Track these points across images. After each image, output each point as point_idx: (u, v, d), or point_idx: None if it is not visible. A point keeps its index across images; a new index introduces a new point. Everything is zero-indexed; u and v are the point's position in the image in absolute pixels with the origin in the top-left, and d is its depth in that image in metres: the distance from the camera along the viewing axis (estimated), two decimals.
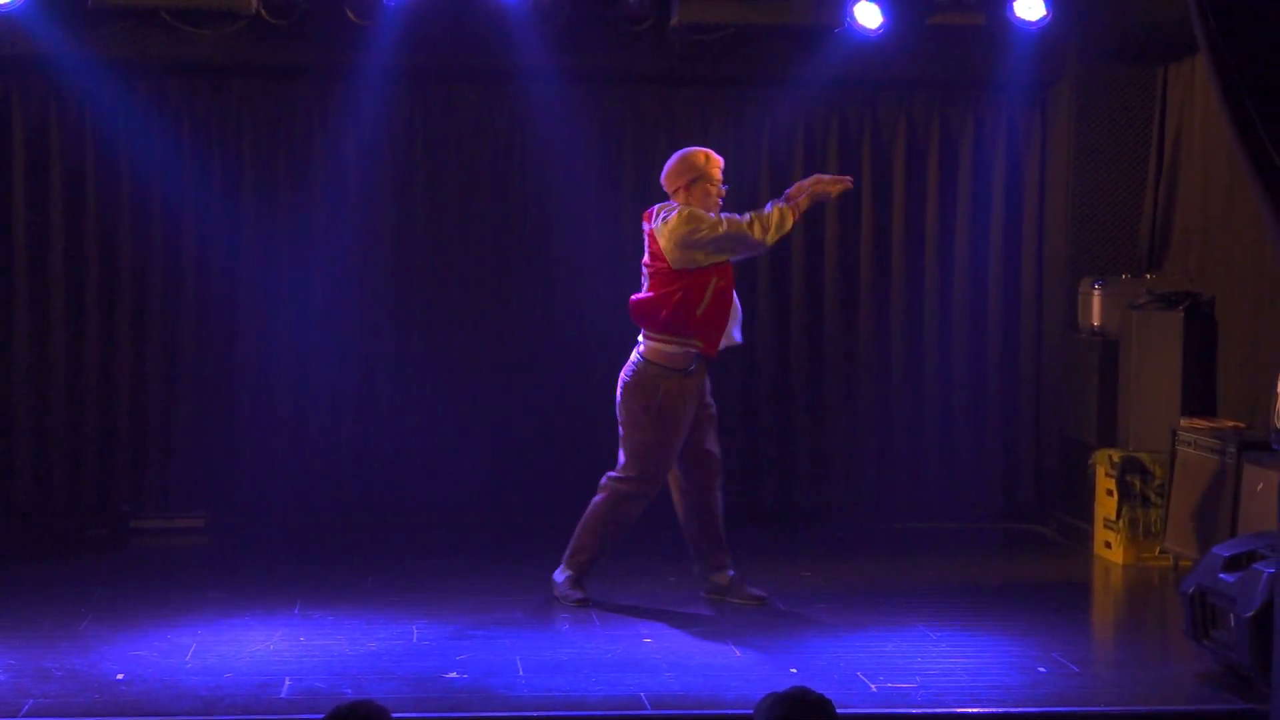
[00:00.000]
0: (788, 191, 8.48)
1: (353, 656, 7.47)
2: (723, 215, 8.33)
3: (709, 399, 8.58)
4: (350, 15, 10.04)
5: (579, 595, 8.48)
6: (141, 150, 10.53)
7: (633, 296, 8.50)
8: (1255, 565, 6.95)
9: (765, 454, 11.02)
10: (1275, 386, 8.23)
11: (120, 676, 7.06)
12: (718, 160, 8.47)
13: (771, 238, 8.35)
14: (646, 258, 8.45)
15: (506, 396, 10.80)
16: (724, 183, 8.48)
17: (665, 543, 10.04)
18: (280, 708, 6.73)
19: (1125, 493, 9.73)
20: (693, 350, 8.37)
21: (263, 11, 9.90)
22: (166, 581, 9.09)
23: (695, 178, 8.40)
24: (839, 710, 4.60)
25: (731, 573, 8.64)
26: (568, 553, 8.62)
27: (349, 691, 6.82)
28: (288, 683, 7.02)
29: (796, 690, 4.52)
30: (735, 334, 8.57)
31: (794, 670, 7.27)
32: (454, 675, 7.16)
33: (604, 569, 8.70)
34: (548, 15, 10.08)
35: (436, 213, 10.88)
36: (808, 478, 11.06)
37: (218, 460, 10.65)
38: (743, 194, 11.00)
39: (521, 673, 7.20)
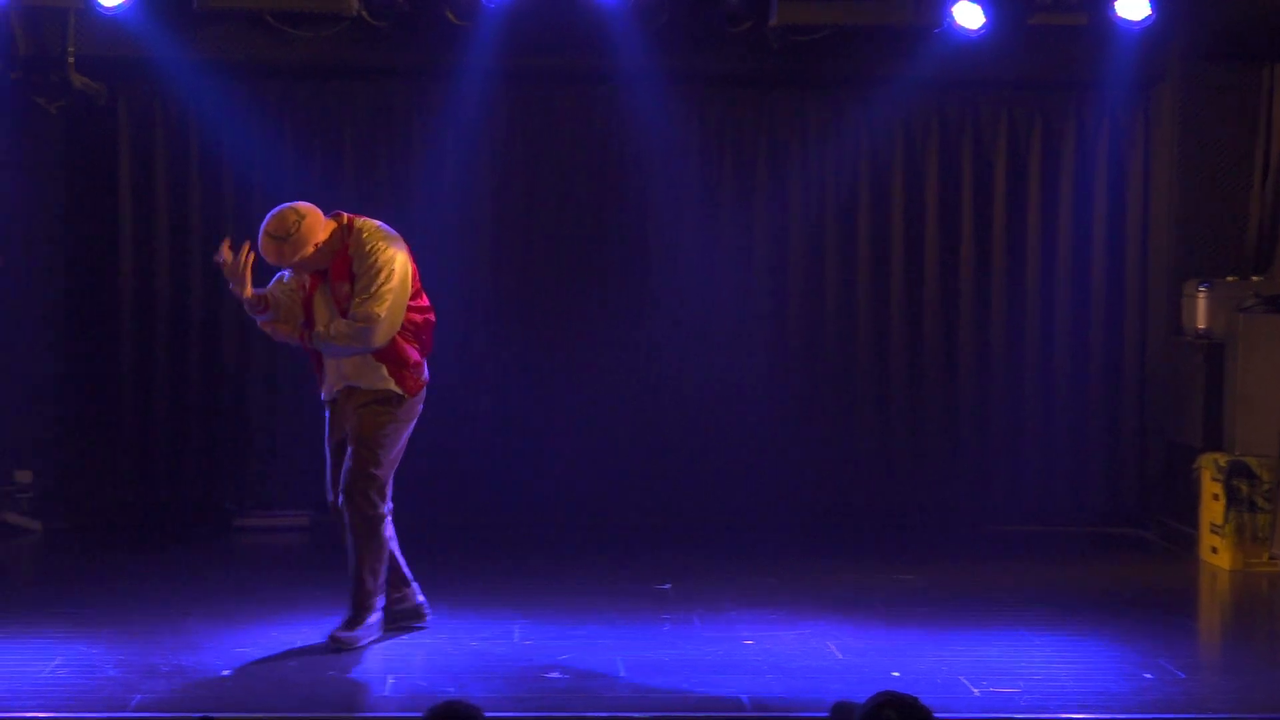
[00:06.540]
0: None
1: (455, 655, 7.49)
2: None
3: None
4: (450, 16, 10.08)
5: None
6: (243, 150, 10.64)
7: None
8: None
9: (864, 457, 10.96)
10: None
11: (226, 673, 7.11)
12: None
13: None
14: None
15: (605, 399, 10.80)
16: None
17: (762, 545, 10.07)
18: (383, 705, 6.80)
19: (1232, 497, 9.60)
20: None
21: (364, 13, 9.95)
22: (270, 579, 9.20)
23: None
24: (943, 715, 4.55)
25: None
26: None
27: (451, 690, 6.83)
28: (390, 680, 7.06)
29: (884, 694, 4.44)
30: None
31: (896, 674, 7.22)
32: (555, 675, 7.16)
33: (702, 573, 8.66)
34: (647, 16, 10.09)
35: (534, 214, 10.91)
36: (907, 480, 10.98)
37: (321, 458, 10.66)
38: (841, 196, 10.98)
39: (623, 673, 7.20)
